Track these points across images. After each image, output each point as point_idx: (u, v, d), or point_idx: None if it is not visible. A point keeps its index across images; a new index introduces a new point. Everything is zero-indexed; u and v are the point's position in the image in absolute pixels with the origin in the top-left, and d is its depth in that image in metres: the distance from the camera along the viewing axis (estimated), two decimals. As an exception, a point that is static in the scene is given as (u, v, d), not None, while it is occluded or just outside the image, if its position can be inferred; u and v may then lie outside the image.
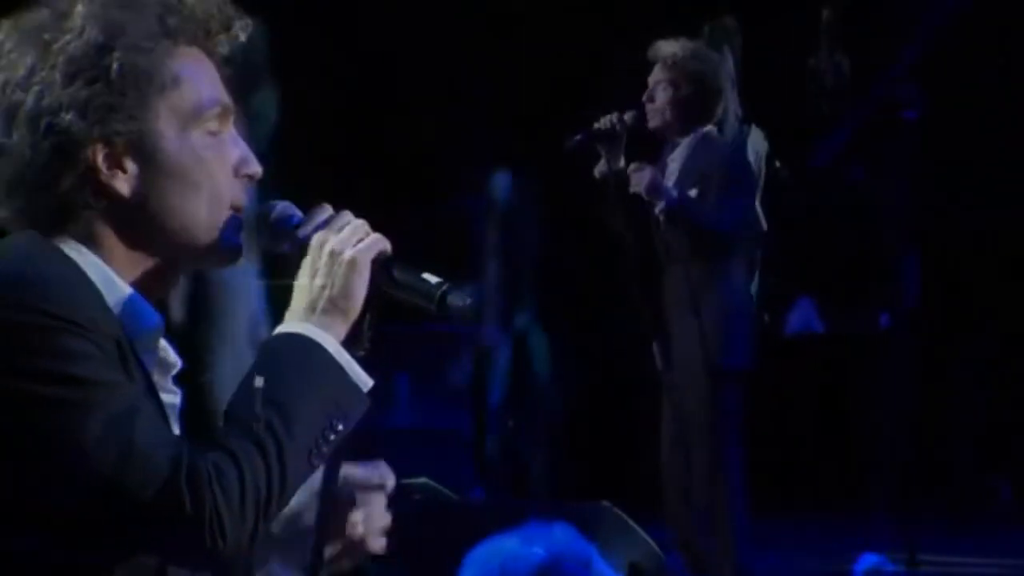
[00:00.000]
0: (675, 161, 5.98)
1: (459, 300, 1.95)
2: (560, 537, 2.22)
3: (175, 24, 1.97)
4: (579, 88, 9.17)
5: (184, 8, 1.98)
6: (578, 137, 5.88)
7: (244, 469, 1.82)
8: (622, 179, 5.85)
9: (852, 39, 9.71)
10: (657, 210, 5.83)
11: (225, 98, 2.00)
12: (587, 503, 5.00)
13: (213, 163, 1.97)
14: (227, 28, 2.02)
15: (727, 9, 6.59)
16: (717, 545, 5.78)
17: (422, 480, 5.28)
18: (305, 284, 1.96)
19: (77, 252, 1.93)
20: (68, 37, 1.93)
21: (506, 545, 2.22)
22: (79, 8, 1.95)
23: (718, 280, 5.89)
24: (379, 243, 1.97)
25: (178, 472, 1.79)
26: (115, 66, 1.92)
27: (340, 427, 1.92)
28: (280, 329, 1.95)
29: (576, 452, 9.12)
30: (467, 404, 8.26)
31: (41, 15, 1.96)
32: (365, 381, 1.96)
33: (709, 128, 5.98)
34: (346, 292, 1.95)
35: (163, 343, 2.01)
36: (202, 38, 2.00)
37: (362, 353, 1.97)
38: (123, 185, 1.94)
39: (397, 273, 1.97)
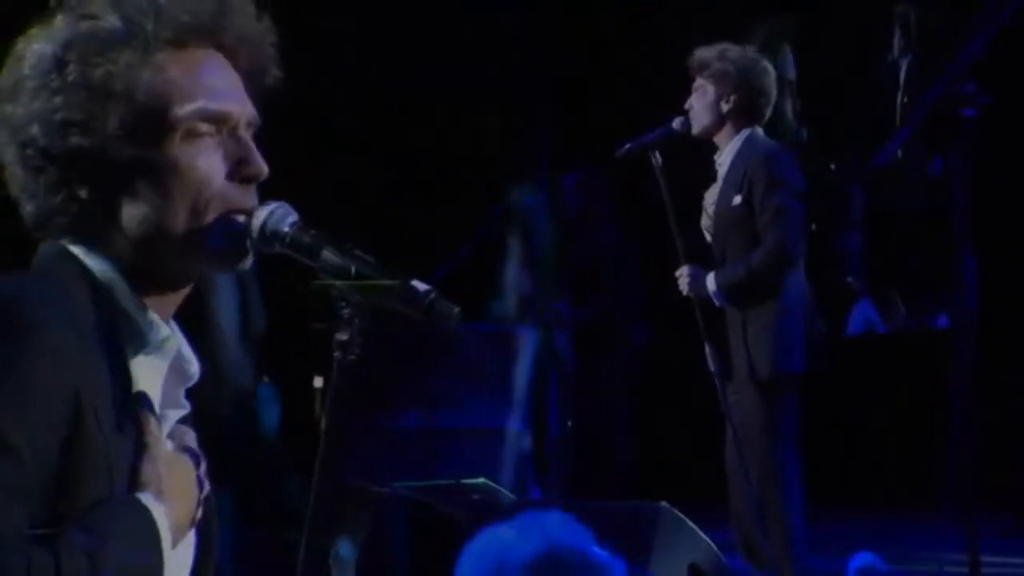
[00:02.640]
0: (722, 166, 6.04)
1: (446, 309, 1.92)
2: (554, 526, 2.22)
3: (154, 30, 1.96)
4: (629, 89, 9.21)
5: (165, 11, 1.97)
6: (628, 146, 5.95)
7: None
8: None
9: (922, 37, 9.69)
10: (711, 294, 5.94)
11: (217, 102, 1.97)
12: (645, 504, 5.03)
13: (192, 170, 1.95)
14: (223, 26, 2.00)
15: (785, 8, 6.62)
16: (774, 547, 5.80)
17: (481, 480, 5.34)
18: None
19: (91, 259, 1.96)
20: (40, 50, 1.96)
21: (501, 537, 2.22)
22: (56, 20, 1.97)
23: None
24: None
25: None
26: (70, 79, 1.93)
27: None
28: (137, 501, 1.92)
29: (636, 451, 9.15)
30: (526, 404, 8.31)
31: (36, 30, 1.99)
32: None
33: (754, 130, 6.03)
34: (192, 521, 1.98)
35: (188, 353, 2.03)
36: (200, 38, 1.99)
37: (353, 358, 1.96)
38: (94, 195, 1.95)
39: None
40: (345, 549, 5.74)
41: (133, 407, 1.93)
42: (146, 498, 1.91)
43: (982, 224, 4.82)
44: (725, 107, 5.98)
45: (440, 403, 7.79)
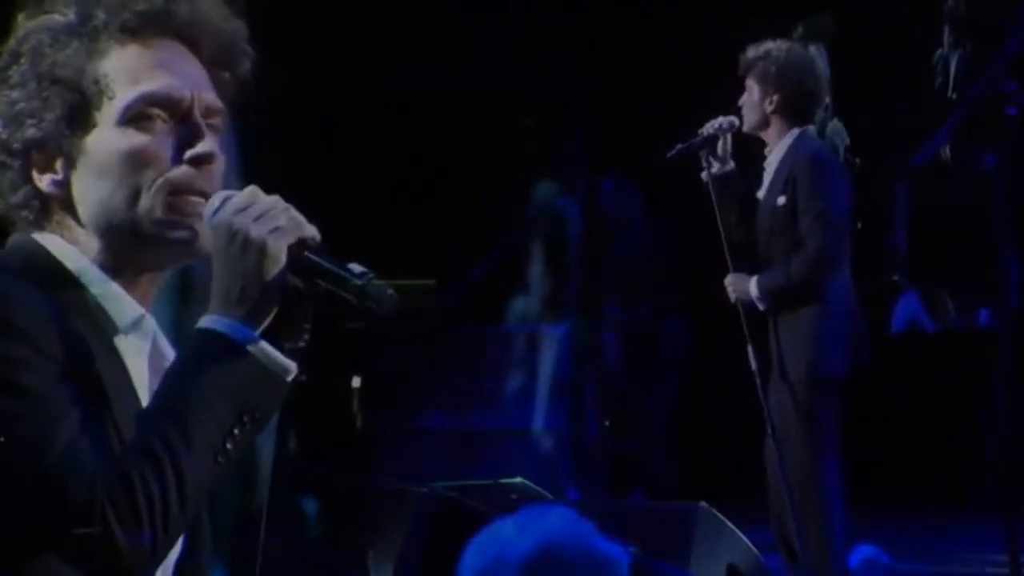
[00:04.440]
0: (770, 164, 6.08)
1: (380, 292, 1.90)
2: (555, 522, 2.22)
3: (105, 19, 1.99)
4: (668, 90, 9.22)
5: (117, 1, 2.00)
6: (678, 147, 6.01)
7: (137, 490, 1.83)
8: (723, 183, 6.01)
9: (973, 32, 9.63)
10: (754, 299, 5.97)
11: (164, 88, 1.99)
12: (684, 504, 5.06)
13: (136, 154, 1.97)
14: (176, 13, 2.01)
15: (824, 6, 6.61)
16: (814, 547, 5.82)
17: (518, 480, 5.36)
18: (220, 267, 1.94)
19: (57, 248, 2.00)
20: (5, 48, 2.01)
21: (500, 533, 2.22)
22: (19, 17, 2.03)
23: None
24: (298, 228, 1.94)
25: (85, 492, 1.82)
26: (23, 71, 1.98)
27: (250, 419, 1.91)
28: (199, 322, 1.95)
29: (675, 451, 9.17)
30: (563, 404, 8.35)
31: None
32: (285, 367, 1.94)
33: (804, 130, 6.06)
34: (257, 278, 1.91)
35: (166, 349, 2.06)
36: (155, 27, 2.01)
37: (301, 346, 1.95)
38: (53, 187, 2.00)
39: (315, 259, 1.93)
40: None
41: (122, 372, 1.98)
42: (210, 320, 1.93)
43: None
44: (769, 106, 6.03)
45: (471, 404, 7.83)
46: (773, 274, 5.99)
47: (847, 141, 8.78)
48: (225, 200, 1.96)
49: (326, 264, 1.92)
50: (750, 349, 5.97)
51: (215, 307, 1.93)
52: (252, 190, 1.96)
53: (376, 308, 1.90)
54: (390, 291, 1.90)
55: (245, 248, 1.91)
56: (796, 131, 6.06)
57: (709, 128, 6.04)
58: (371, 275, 1.91)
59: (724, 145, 6.06)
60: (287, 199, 1.98)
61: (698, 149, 6.04)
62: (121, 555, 1.83)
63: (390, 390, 7.80)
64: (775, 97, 6.02)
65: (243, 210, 1.93)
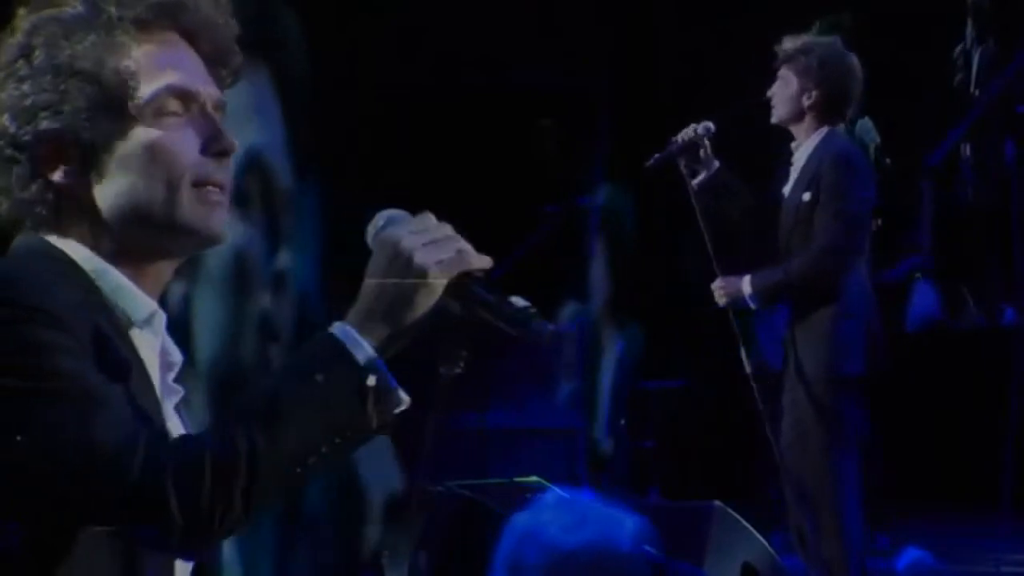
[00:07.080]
0: (798, 160, 6.07)
1: (542, 328, 1.92)
2: (550, 504, 2.36)
3: (118, 12, 2.02)
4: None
5: None
6: (656, 156, 6.02)
7: (206, 472, 1.81)
8: (710, 189, 6.02)
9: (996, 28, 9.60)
10: (746, 297, 5.98)
11: (184, 81, 2.03)
12: (699, 503, 5.09)
13: (164, 146, 2.00)
14: (186, 9, 2.05)
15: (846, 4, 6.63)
16: (830, 546, 5.85)
17: (534, 479, 5.42)
18: (373, 283, 1.92)
19: (68, 246, 2.01)
20: (8, 43, 2.03)
21: (519, 523, 2.34)
22: (19, 12, 2.04)
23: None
24: (464, 263, 1.93)
25: (136, 466, 1.80)
26: (36, 64, 1.99)
27: (342, 441, 1.88)
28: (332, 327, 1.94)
29: (691, 451, 9.21)
30: (580, 403, 8.40)
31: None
32: (398, 399, 1.92)
33: (833, 129, 6.06)
34: (407, 303, 1.90)
35: (169, 344, 2.09)
36: (163, 20, 2.04)
37: (458, 371, 1.96)
38: (65, 179, 2.01)
39: (477, 291, 1.93)
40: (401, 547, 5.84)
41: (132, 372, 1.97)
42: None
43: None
44: (806, 101, 6.03)
45: (487, 404, 7.87)
46: (769, 272, 5.99)
47: (877, 140, 8.79)
48: (388, 220, 1.96)
49: (489, 298, 1.93)
50: (743, 352, 5.99)
51: (354, 319, 1.91)
52: (426, 215, 1.95)
53: (535, 342, 1.92)
54: (551, 327, 1.92)
55: (406, 271, 1.89)
56: (826, 129, 6.05)
57: (684, 135, 6.04)
58: (533, 310, 1.93)
59: (705, 150, 6.05)
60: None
61: (676, 157, 6.05)
62: (180, 533, 1.81)
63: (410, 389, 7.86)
64: (814, 93, 6.02)
65: (415, 233, 1.92)
